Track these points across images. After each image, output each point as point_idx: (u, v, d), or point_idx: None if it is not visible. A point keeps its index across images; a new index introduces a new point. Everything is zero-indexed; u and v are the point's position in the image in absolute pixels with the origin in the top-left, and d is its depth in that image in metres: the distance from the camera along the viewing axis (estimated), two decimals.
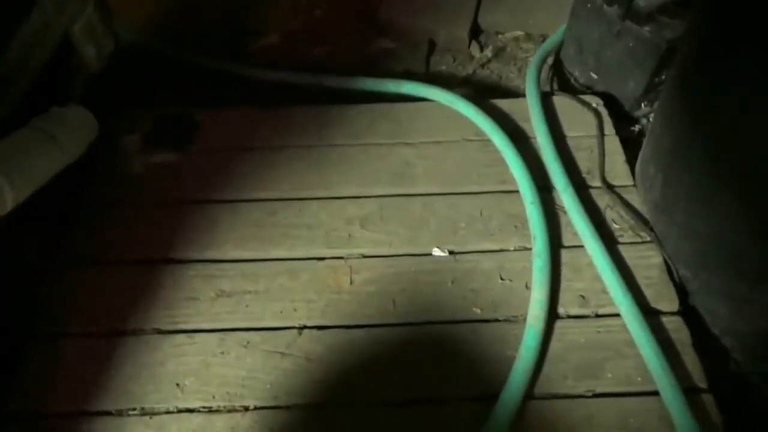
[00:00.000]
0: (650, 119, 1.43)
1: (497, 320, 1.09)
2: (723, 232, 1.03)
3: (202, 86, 1.61)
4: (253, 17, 1.82)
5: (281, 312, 1.10)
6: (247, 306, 1.11)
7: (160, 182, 1.30)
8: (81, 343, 1.08)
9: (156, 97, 1.58)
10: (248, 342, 1.07)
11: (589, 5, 1.43)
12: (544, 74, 1.54)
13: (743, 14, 0.94)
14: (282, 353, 1.05)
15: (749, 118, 0.93)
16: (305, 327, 1.09)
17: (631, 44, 1.38)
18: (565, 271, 1.14)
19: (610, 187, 1.26)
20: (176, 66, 1.65)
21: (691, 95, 1.08)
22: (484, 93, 1.59)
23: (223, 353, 1.06)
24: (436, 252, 1.17)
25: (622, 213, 1.22)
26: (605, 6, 1.39)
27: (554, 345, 1.05)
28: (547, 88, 1.52)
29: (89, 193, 1.29)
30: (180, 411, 1.00)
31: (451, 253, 1.17)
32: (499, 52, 1.71)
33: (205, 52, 1.67)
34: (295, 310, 1.11)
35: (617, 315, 1.07)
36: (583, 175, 1.29)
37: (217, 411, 1.00)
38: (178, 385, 1.02)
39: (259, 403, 1.01)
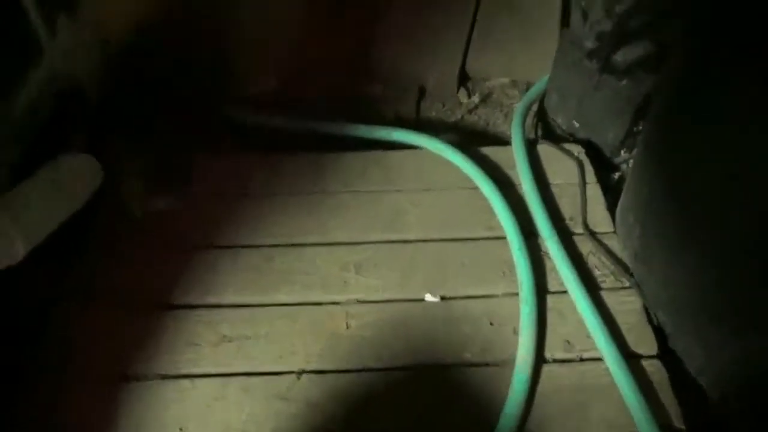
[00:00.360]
0: (630, 165, 1.51)
1: (487, 364, 1.14)
2: (695, 281, 1.10)
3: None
4: (246, 58, 1.86)
5: (280, 357, 1.15)
6: (247, 351, 1.15)
7: (160, 227, 1.35)
8: (84, 387, 1.11)
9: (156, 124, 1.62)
10: (249, 386, 1.11)
11: (569, 58, 1.51)
12: (528, 120, 1.62)
13: (713, 73, 1.02)
14: (281, 397, 1.09)
15: (718, 172, 1.00)
16: (304, 371, 1.13)
17: (609, 96, 1.46)
18: (550, 317, 1.19)
19: (592, 234, 1.32)
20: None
21: (664, 149, 1.16)
22: (472, 138, 1.66)
23: (224, 398, 1.09)
24: (428, 297, 1.23)
25: (604, 259, 1.28)
26: (585, 60, 1.47)
27: (541, 388, 1.10)
28: (532, 134, 1.60)
29: (92, 237, 1.33)
30: None
31: (442, 298, 1.23)
32: (485, 98, 1.79)
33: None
34: (293, 354, 1.15)
35: (600, 359, 1.13)
36: (567, 221, 1.36)
37: None
38: (181, 429, 1.05)
39: None
